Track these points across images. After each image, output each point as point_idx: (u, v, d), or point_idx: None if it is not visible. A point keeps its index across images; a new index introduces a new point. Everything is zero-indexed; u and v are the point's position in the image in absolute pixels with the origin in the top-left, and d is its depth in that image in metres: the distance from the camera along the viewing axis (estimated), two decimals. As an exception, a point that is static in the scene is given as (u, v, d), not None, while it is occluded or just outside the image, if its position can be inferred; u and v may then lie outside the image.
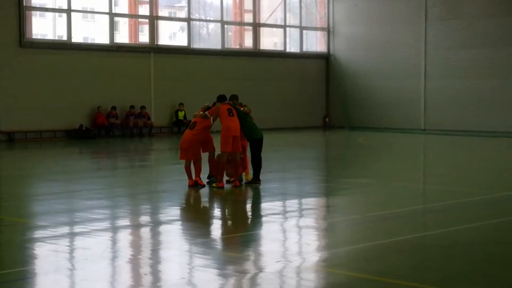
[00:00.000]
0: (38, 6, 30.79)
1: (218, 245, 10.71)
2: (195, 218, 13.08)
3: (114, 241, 11.02)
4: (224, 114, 15.54)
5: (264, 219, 12.90)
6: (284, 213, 13.62)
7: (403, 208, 13.81)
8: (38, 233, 11.42)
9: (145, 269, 9.09)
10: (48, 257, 9.74)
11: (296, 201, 15.21)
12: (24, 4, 29.49)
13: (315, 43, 40.55)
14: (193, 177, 15.67)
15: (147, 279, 8.57)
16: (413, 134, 34.33)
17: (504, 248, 10.26)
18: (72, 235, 11.37)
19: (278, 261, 9.24)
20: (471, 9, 34.57)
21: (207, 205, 14.48)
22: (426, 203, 15.37)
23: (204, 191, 15.58)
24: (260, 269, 9.00)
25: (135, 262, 9.45)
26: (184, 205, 14.64)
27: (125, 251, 10.29)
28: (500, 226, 11.93)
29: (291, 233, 11.56)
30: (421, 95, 36.51)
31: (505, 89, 33.65)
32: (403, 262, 9.37)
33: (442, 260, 9.61)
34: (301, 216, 13.38)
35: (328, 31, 40.11)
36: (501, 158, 24.32)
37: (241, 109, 16.01)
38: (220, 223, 12.79)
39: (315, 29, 40.35)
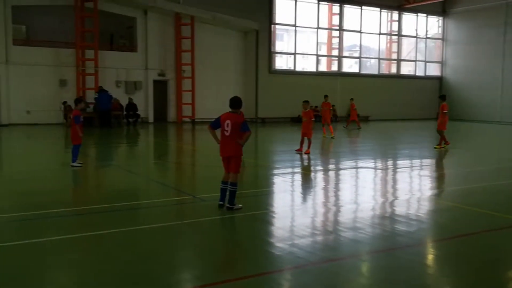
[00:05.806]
0: (278, 51, 31.23)
1: (371, 183, 10.26)
2: (360, 166, 12.59)
3: (305, 179, 10.89)
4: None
5: (397, 170, 12.23)
6: (411, 166, 12.82)
7: (490, 166, 12.49)
8: (274, 171, 11.57)
9: (331, 193, 8.90)
10: (279, 184, 9.89)
11: (418, 160, 14.26)
12: (272, 50, 30.22)
13: (433, 70, 37.78)
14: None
15: (332, 199, 8.37)
16: (492, 124, 31.06)
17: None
18: (292, 173, 11.46)
19: (406, 194, 8.71)
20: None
21: (360, 157, 13.82)
22: (505, 163, 13.80)
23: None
24: (395, 198, 8.53)
25: (327, 192, 9.29)
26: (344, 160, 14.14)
27: (318, 185, 10.18)
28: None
29: (415, 178, 10.86)
30: (499, 99, 33.15)
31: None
32: (489, 199, 8.48)
33: None
34: (420, 169, 12.51)
35: (442, 63, 37.29)
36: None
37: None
38: (372, 172, 12.17)
39: (434, 62, 37.51)
